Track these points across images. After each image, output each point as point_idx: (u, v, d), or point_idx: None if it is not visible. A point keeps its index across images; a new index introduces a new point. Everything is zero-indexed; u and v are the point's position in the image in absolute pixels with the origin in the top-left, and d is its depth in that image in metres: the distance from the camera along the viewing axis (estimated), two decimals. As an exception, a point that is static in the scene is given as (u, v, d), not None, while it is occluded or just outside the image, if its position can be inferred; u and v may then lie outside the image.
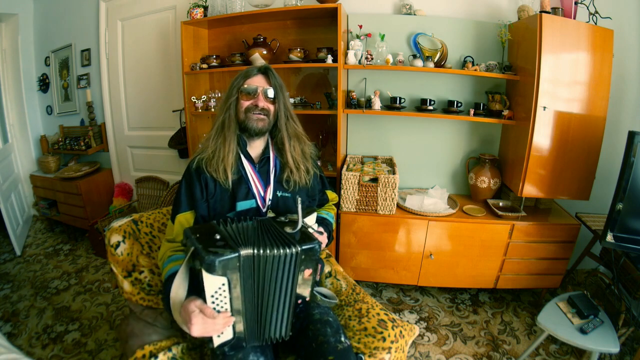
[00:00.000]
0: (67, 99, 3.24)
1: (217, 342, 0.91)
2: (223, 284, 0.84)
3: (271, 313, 0.96)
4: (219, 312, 0.87)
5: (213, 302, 0.86)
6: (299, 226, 0.97)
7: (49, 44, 3.19)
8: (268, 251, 0.89)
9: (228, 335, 0.92)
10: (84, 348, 1.81)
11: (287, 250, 0.89)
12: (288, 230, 0.96)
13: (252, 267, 0.89)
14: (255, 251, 0.88)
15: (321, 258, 1.40)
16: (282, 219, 1.04)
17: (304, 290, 0.97)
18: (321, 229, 1.18)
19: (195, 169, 1.15)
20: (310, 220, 1.13)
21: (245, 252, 0.85)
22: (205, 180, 1.13)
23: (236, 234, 0.93)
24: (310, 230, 1.00)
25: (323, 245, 1.18)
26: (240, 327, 0.92)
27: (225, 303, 0.87)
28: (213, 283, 0.83)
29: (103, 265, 2.60)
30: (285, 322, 0.99)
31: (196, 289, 0.90)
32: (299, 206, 0.97)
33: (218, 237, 0.87)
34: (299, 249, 0.90)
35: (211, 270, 0.81)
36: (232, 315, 0.89)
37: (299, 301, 0.98)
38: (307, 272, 0.94)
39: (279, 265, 0.91)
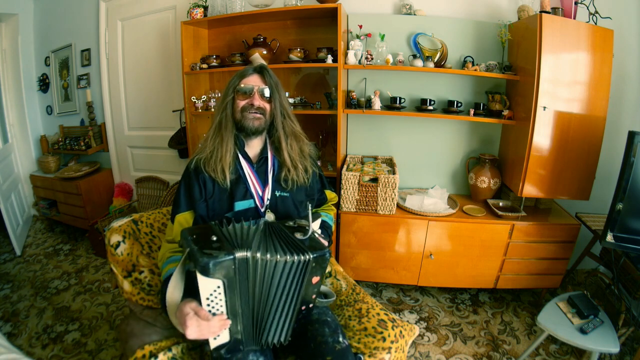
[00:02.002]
0: (67, 99, 3.24)
1: (213, 344, 0.90)
2: (218, 287, 0.83)
3: (272, 317, 0.95)
4: (214, 314, 0.86)
5: (208, 305, 0.85)
6: (310, 233, 0.96)
7: (49, 44, 3.20)
8: (278, 256, 0.88)
9: (225, 338, 0.91)
10: (84, 348, 1.81)
11: (298, 257, 0.89)
12: (298, 236, 0.95)
13: (250, 270, 0.88)
14: (257, 254, 0.87)
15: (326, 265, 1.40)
16: (291, 223, 1.04)
17: (310, 297, 0.97)
18: (322, 235, 1.17)
19: (194, 169, 1.15)
20: (315, 225, 1.12)
21: (241, 254, 0.83)
22: (203, 180, 1.13)
23: (236, 235, 0.92)
24: (317, 236, 1.00)
25: None
26: (237, 330, 0.91)
27: (221, 306, 0.86)
28: (208, 285, 0.82)
29: (103, 265, 2.60)
30: (287, 328, 0.98)
31: (192, 291, 0.89)
32: (309, 212, 0.97)
33: (214, 238, 0.86)
34: (311, 256, 0.89)
35: (205, 272, 0.79)
36: (228, 318, 0.88)
37: (303, 307, 0.97)
38: (315, 279, 0.94)
39: (288, 271, 0.90)
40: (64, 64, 3.16)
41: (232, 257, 0.81)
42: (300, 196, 1.23)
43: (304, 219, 1.05)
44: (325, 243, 1.09)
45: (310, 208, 0.98)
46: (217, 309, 0.86)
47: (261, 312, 0.94)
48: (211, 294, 0.83)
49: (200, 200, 1.13)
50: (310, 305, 0.98)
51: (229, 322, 0.88)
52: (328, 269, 1.47)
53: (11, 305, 2.16)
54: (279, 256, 0.88)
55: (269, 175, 1.18)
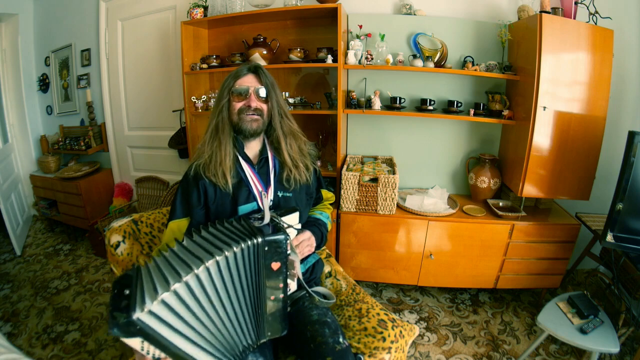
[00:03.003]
0: (67, 99, 3.24)
1: None
2: (142, 341, 0.75)
3: (243, 321, 0.89)
4: (159, 358, 0.78)
5: (148, 353, 0.77)
6: (266, 220, 0.94)
7: (49, 44, 3.20)
8: (226, 252, 0.82)
9: None
10: (84, 348, 1.81)
11: (248, 243, 0.84)
12: (256, 224, 0.93)
13: (171, 308, 0.77)
14: (191, 278, 0.77)
15: (320, 258, 1.39)
16: (256, 215, 1.02)
17: (276, 286, 0.91)
18: (298, 227, 1.12)
19: (193, 175, 1.13)
20: (292, 219, 1.08)
21: (143, 310, 0.72)
22: (204, 186, 1.11)
23: (170, 265, 0.82)
24: (285, 226, 0.97)
25: (311, 248, 1.15)
26: (202, 357, 0.83)
27: (160, 352, 0.78)
28: (132, 343, 0.74)
29: (103, 265, 2.60)
30: (274, 320, 0.93)
31: None
32: (265, 200, 0.96)
33: (127, 292, 0.77)
34: (259, 240, 0.85)
35: (117, 335, 0.72)
36: (177, 353, 0.79)
37: (272, 297, 0.91)
38: (275, 265, 0.89)
39: (237, 263, 0.85)
40: (64, 64, 3.16)
41: (129, 319, 0.71)
42: (302, 195, 1.22)
43: (272, 211, 1.04)
44: (303, 235, 1.10)
45: (263, 195, 0.96)
46: (160, 354, 0.79)
47: (229, 320, 0.87)
48: (142, 347, 0.76)
49: (198, 207, 1.12)
50: (282, 296, 0.92)
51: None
52: (328, 269, 1.47)
53: (11, 305, 2.16)
54: (217, 256, 0.81)
55: (271, 175, 1.17)
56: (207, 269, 0.80)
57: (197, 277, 0.78)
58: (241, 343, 0.91)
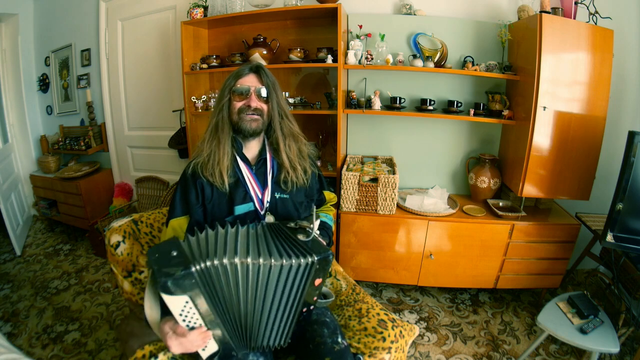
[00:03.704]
0: (67, 99, 3.24)
1: (203, 355, 0.89)
2: (187, 302, 0.80)
3: (272, 321, 0.93)
4: (192, 328, 0.84)
5: (184, 320, 0.82)
6: (312, 235, 0.95)
7: (49, 44, 3.20)
8: (273, 260, 0.86)
9: (213, 347, 0.89)
10: (84, 348, 1.81)
11: (301, 260, 0.87)
12: (301, 237, 0.94)
13: (222, 277, 0.84)
14: (234, 260, 0.84)
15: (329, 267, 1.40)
16: (292, 224, 1.02)
17: (312, 299, 0.95)
18: (321, 238, 1.16)
19: (191, 174, 1.13)
20: (316, 226, 1.11)
21: (202, 265, 0.79)
22: (201, 185, 1.11)
23: (207, 244, 0.88)
24: (317, 235, 0.99)
25: None
26: (224, 338, 0.89)
27: (197, 319, 0.84)
28: (175, 303, 0.79)
29: (103, 265, 2.60)
30: (288, 331, 0.97)
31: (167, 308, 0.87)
32: (314, 215, 0.98)
33: (174, 253, 0.82)
34: (315, 259, 0.87)
35: (167, 291, 0.76)
36: (209, 329, 0.86)
37: (304, 310, 0.96)
38: (318, 281, 0.92)
39: (293, 274, 0.89)
40: (64, 64, 3.16)
41: (188, 271, 0.77)
42: (299, 197, 1.22)
43: (305, 220, 1.04)
44: (325, 244, 1.09)
45: (314, 209, 0.97)
46: (195, 322, 0.84)
47: (255, 317, 0.92)
48: (182, 310, 0.81)
49: (197, 205, 1.12)
50: (312, 308, 0.97)
51: (210, 333, 0.86)
52: (328, 269, 1.47)
53: (11, 305, 2.16)
54: (273, 260, 0.86)
55: (268, 177, 1.17)
56: (270, 266, 0.86)
57: (259, 266, 0.86)
58: (264, 340, 0.96)
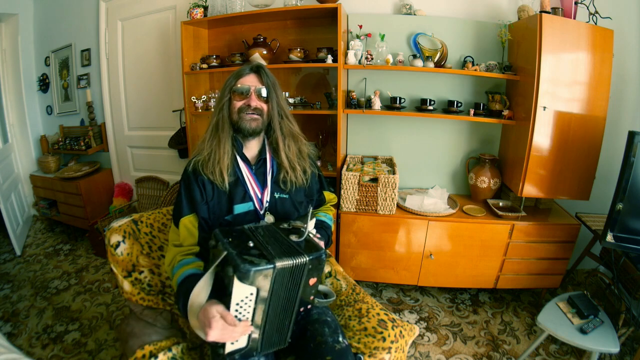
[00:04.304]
0: (67, 99, 3.24)
1: (229, 348, 0.89)
2: (251, 294, 0.83)
3: (269, 324, 0.94)
4: (239, 320, 0.86)
5: (236, 310, 0.84)
6: (305, 234, 0.96)
7: (49, 44, 3.20)
8: (288, 262, 0.88)
9: (242, 343, 0.90)
10: (84, 348, 1.81)
11: (295, 261, 0.88)
12: (294, 238, 0.95)
13: (284, 279, 0.88)
14: (288, 262, 0.86)
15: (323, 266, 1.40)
16: (285, 225, 1.03)
17: (308, 298, 0.96)
18: (318, 235, 1.15)
19: (192, 171, 1.13)
20: (310, 226, 1.12)
21: (280, 264, 0.83)
22: (202, 183, 1.12)
23: (265, 243, 0.92)
24: (312, 236, 0.99)
25: None
26: (255, 337, 0.91)
27: (248, 312, 0.86)
28: (242, 291, 0.82)
29: (103, 265, 2.60)
30: (287, 331, 0.98)
31: (217, 294, 0.89)
32: (309, 215, 0.97)
33: (251, 244, 0.87)
34: (307, 259, 0.88)
35: (244, 278, 0.79)
36: (252, 324, 0.88)
37: (301, 309, 0.97)
38: (312, 281, 0.93)
39: (289, 276, 0.89)
40: (64, 64, 3.16)
41: (272, 266, 0.81)
42: (299, 197, 1.22)
43: (298, 220, 1.04)
44: (322, 244, 1.08)
45: (310, 209, 0.97)
46: (244, 315, 0.86)
47: (275, 319, 0.93)
48: (242, 300, 0.83)
49: (202, 202, 1.12)
50: (309, 307, 0.98)
51: (252, 328, 0.88)
52: (328, 269, 1.47)
53: (11, 305, 2.16)
54: (288, 262, 0.88)
55: (268, 177, 1.17)
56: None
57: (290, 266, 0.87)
58: (271, 342, 0.97)
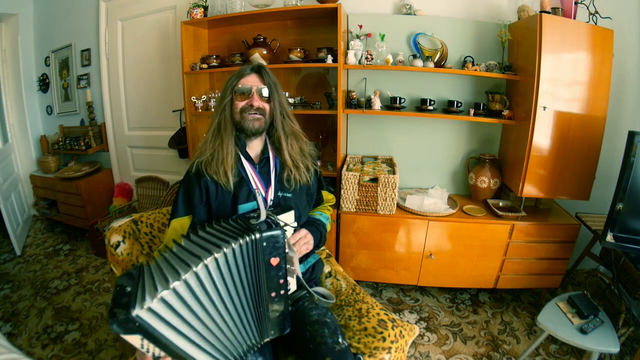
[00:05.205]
0: (67, 99, 3.24)
1: None
2: (142, 339, 0.75)
3: (244, 318, 0.90)
4: (159, 357, 0.78)
5: (147, 352, 0.77)
6: (263, 218, 0.95)
7: (49, 44, 3.20)
8: (225, 249, 0.82)
9: None
10: (84, 348, 1.81)
11: (245, 240, 0.85)
12: (252, 222, 0.94)
13: (171, 307, 0.77)
14: (179, 279, 0.77)
15: (320, 258, 1.39)
16: (252, 214, 1.03)
17: (277, 282, 0.92)
18: (294, 224, 1.13)
19: (195, 172, 1.14)
20: (287, 218, 1.09)
21: (143, 307, 0.72)
22: (205, 184, 1.12)
23: (170, 264, 0.82)
24: (282, 223, 0.98)
25: (308, 246, 1.15)
26: (202, 358, 0.84)
27: (160, 350, 0.78)
28: (132, 340, 0.74)
29: (103, 265, 2.60)
30: (276, 319, 0.94)
31: None
32: (259, 198, 0.99)
33: (128, 289, 0.77)
34: (257, 235, 0.86)
35: (117, 332, 0.72)
36: (173, 358, 0.79)
37: (273, 294, 0.92)
38: (274, 261, 0.90)
39: (236, 260, 0.85)
40: (64, 64, 3.16)
41: (128, 316, 0.71)
42: (302, 196, 1.23)
43: (266, 209, 1.05)
44: (300, 233, 1.11)
45: (258, 194, 0.97)
46: (160, 353, 0.79)
47: (235, 320, 0.87)
48: (142, 345, 0.76)
49: (200, 204, 1.12)
50: (282, 292, 0.93)
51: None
52: (328, 269, 1.47)
53: (11, 305, 2.16)
54: (215, 253, 0.82)
55: (272, 175, 1.18)
56: (206, 267, 0.80)
57: (196, 275, 0.79)
58: (245, 342, 0.92)
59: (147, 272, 0.82)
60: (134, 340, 0.74)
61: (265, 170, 1.18)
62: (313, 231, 1.20)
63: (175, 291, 0.76)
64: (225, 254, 0.83)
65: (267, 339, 0.96)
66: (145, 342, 0.75)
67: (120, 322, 0.71)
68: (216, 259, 0.82)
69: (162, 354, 0.78)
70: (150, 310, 0.73)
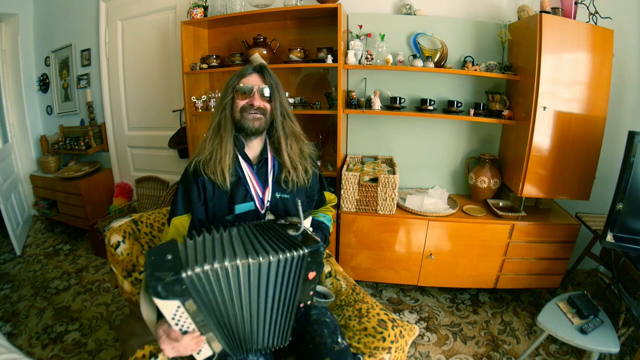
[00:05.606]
0: (67, 99, 3.24)
1: (198, 359, 0.88)
2: (178, 307, 0.78)
3: (267, 321, 0.92)
4: (186, 332, 0.82)
5: (177, 324, 0.81)
6: (302, 229, 0.95)
7: (49, 44, 3.20)
8: (261, 258, 0.84)
9: (207, 352, 0.88)
10: (84, 348, 1.81)
11: (292, 254, 0.86)
12: (291, 232, 0.94)
13: (214, 282, 0.82)
14: (225, 263, 0.81)
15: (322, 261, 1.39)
16: (282, 221, 1.02)
17: (307, 294, 0.94)
18: (314, 235, 1.15)
19: (193, 171, 1.13)
20: (307, 223, 1.10)
21: (193, 271, 0.77)
22: (203, 183, 1.12)
23: (204, 248, 0.86)
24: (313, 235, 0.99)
25: None
26: (217, 344, 0.88)
27: (190, 323, 0.82)
28: (167, 307, 0.78)
29: (103, 265, 2.60)
30: (286, 330, 0.96)
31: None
32: (299, 208, 0.95)
33: (169, 257, 0.80)
34: (306, 251, 0.86)
35: (157, 295, 0.75)
36: (202, 334, 0.85)
37: (301, 305, 0.95)
38: (311, 275, 0.91)
39: (283, 270, 0.87)
40: (64, 64, 3.16)
41: (178, 277, 0.75)
42: (300, 197, 1.22)
43: (295, 217, 1.04)
44: (318, 239, 1.09)
45: (300, 204, 0.97)
46: (188, 327, 0.83)
47: (252, 319, 0.90)
48: (175, 314, 0.79)
49: (199, 203, 1.12)
50: (309, 303, 0.96)
51: (203, 338, 0.85)
52: (328, 269, 1.47)
53: (11, 305, 2.16)
54: (261, 258, 0.84)
55: (269, 176, 1.17)
56: (259, 264, 0.84)
57: (249, 266, 0.83)
58: (262, 342, 0.95)
59: (182, 248, 0.85)
60: (170, 307, 0.77)
61: (262, 171, 1.18)
62: (319, 235, 1.20)
63: (226, 269, 0.81)
64: (269, 262, 0.85)
65: (285, 344, 0.99)
66: (180, 310, 0.79)
67: (166, 284, 0.74)
68: (269, 262, 0.85)
69: (192, 327, 0.82)
70: (199, 275, 0.78)
